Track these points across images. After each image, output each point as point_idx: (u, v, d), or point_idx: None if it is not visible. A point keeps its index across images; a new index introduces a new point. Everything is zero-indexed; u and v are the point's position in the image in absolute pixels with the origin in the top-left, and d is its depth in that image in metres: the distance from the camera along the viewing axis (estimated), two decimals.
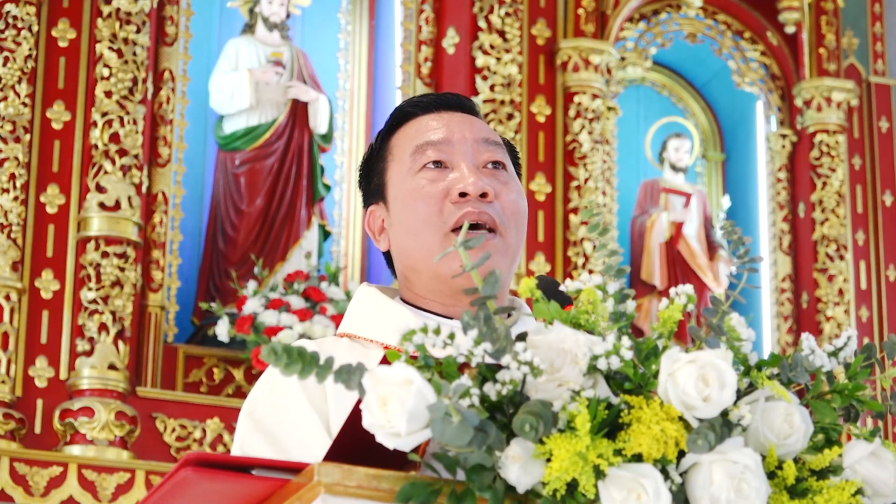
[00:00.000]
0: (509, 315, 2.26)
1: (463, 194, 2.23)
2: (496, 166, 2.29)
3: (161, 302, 7.64)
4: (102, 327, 7.25)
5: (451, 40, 8.39)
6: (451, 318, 2.24)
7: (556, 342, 1.66)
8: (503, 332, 1.63)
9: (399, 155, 2.33)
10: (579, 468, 1.56)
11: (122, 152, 7.48)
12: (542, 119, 8.45)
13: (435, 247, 2.22)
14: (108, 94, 7.52)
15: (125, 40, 7.59)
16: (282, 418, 2.18)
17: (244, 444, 2.18)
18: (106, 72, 7.54)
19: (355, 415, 1.62)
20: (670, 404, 1.62)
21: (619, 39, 8.86)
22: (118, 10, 7.60)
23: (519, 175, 2.35)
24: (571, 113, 8.44)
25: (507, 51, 8.33)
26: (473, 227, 2.20)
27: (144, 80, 7.62)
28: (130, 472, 7.18)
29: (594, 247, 8.00)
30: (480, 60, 8.30)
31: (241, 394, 7.58)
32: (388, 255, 2.38)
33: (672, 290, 1.75)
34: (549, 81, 8.54)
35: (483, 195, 2.23)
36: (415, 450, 1.61)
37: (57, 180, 7.49)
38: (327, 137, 8.40)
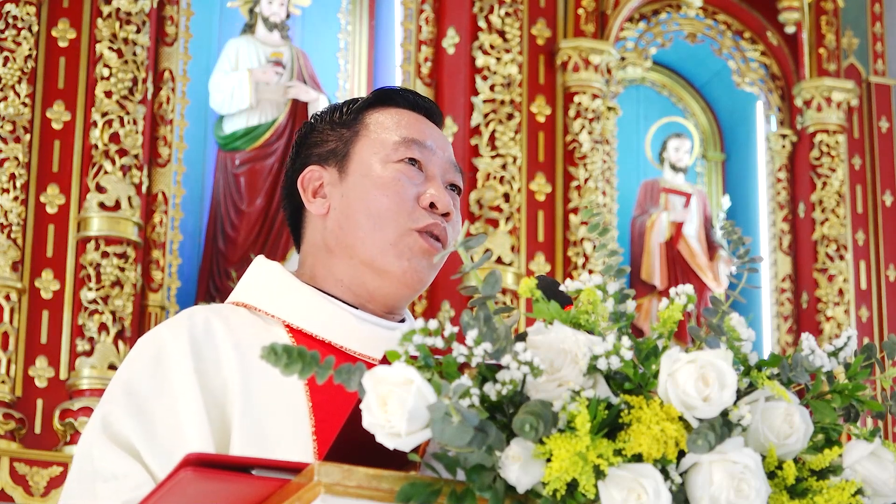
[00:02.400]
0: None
1: (432, 205, 2.36)
2: (454, 189, 2.44)
3: (161, 302, 7.64)
4: (102, 327, 7.25)
5: (451, 40, 8.39)
6: (356, 308, 2.35)
7: (556, 342, 1.66)
8: (503, 332, 1.63)
9: (378, 134, 2.40)
10: (579, 468, 1.56)
11: (122, 152, 7.48)
12: (542, 119, 8.44)
13: (390, 238, 2.33)
14: (108, 94, 7.51)
15: (125, 40, 7.58)
16: (159, 396, 2.21)
17: (107, 415, 2.20)
18: (106, 72, 7.53)
19: (355, 415, 1.62)
20: (670, 404, 1.62)
21: (619, 39, 8.86)
22: (118, 10, 7.59)
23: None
24: (571, 113, 8.44)
25: (507, 51, 8.33)
26: (433, 238, 2.36)
27: (144, 80, 7.62)
28: None
29: (594, 247, 7.99)
30: (480, 60, 8.29)
31: None
32: (295, 220, 2.45)
33: (672, 290, 1.75)
34: (549, 81, 8.53)
35: (446, 214, 2.38)
36: (415, 450, 1.61)
37: (57, 180, 7.49)
38: None
